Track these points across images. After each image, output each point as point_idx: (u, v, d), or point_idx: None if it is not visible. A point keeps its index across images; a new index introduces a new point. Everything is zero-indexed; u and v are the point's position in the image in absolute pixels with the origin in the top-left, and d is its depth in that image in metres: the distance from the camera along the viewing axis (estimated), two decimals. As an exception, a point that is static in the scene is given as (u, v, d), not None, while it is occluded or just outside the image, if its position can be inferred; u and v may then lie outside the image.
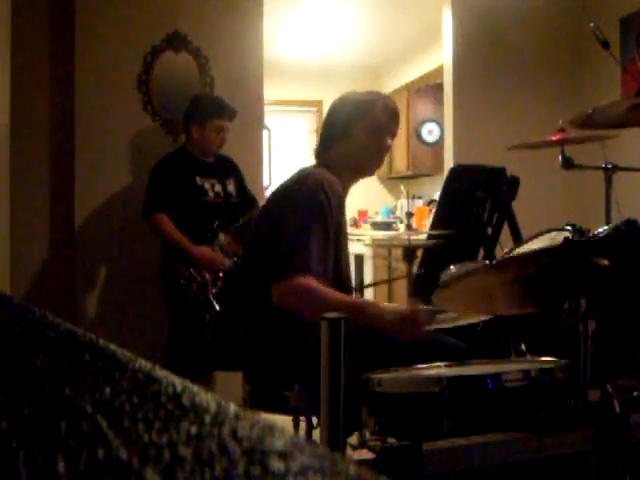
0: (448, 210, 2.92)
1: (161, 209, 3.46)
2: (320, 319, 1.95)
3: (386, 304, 2.04)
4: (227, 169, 3.68)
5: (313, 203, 1.98)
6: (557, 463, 1.44)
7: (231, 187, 3.64)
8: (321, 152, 2.24)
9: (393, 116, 2.25)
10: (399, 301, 5.06)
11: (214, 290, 3.41)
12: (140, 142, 3.95)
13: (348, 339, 1.42)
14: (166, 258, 3.54)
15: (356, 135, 2.18)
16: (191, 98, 3.73)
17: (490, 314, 1.99)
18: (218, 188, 3.58)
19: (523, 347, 2.04)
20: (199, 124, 3.53)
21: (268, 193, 2.65)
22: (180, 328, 3.50)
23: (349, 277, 2.22)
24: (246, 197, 3.71)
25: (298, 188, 2.05)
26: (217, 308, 3.34)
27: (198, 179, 3.53)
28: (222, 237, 3.49)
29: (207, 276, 3.42)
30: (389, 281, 5.64)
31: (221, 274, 3.44)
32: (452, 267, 2.29)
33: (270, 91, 4.77)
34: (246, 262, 2.18)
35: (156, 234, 3.54)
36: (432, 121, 6.60)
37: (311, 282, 1.91)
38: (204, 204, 3.51)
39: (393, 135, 2.25)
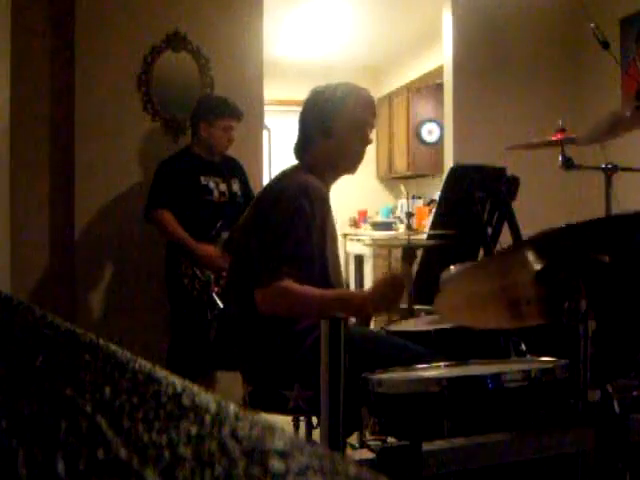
0: (448, 210, 2.92)
1: (164, 206, 3.47)
2: (312, 318, 1.97)
3: (363, 290, 2.07)
4: (232, 169, 3.69)
5: (295, 208, 1.98)
6: (557, 463, 1.44)
7: (236, 187, 3.65)
8: (301, 152, 2.21)
9: (370, 108, 2.21)
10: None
11: (217, 289, 3.41)
12: (140, 142, 3.95)
13: (348, 339, 1.42)
14: (169, 257, 3.55)
15: (335, 133, 2.14)
16: (199, 98, 3.76)
17: (490, 325, 1.98)
18: (223, 187, 3.59)
19: (523, 347, 2.04)
20: (207, 122, 3.55)
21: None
22: (183, 328, 3.51)
23: (340, 281, 2.21)
24: (249, 198, 3.72)
25: (281, 194, 2.05)
26: (221, 306, 3.34)
27: (202, 178, 3.54)
28: (225, 236, 3.50)
29: (210, 275, 3.42)
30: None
31: (224, 273, 3.45)
32: (452, 267, 2.29)
33: (270, 91, 4.77)
34: (237, 266, 2.17)
35: (159, 231, 3.55)
36: (432, 121, 6.60)
37: (289, 284, 1.92)
38: (208, 203, 3.52)
39: (372, 127, 2.21)
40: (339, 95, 2.17)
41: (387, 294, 1.99)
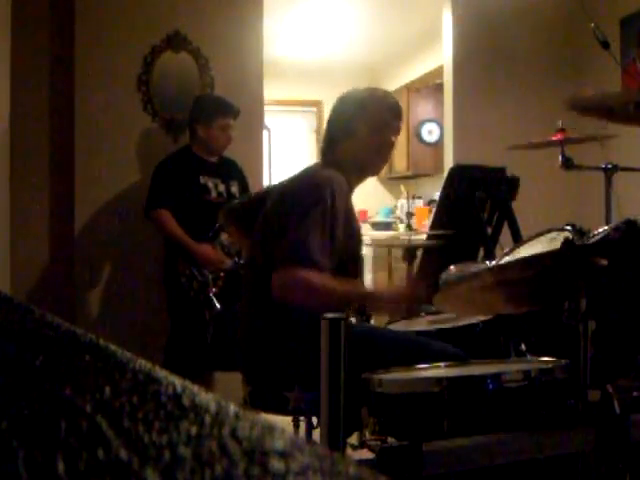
0: (448, 210, 2.92)
1: (163, 206, 3.48)
2: (321, 311, 1.97)
3: (384, 288, 2.10)
4: (231, 171, 3.70)
5: (318, 198, 1.99)
6: (557, 463, 1.44)
7: (234, 188, 3.65)
8: (326, 152, 2.24)
9: (395, 112, 2.22)
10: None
11: (215, 289, 3.41)
12: (140, 142, 3.95)
13: (348, 339, 1.42)
14: (168, 257, 3.55)
15: (359, 134, 2.17)
16: (194, 99, 3.75)
17: (490, 314, 1.99)
18: (221, 188, 3.59)
19: (523, 347, 2.04)
20: (205, 123, 3.55)
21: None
22: (181, 328, 3.51)
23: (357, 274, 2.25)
24: None
25: (305, 185, 2.08)
26: (218, 307, 3.35)
27: (201, 178, 3.54)
28: (224, 237, 3.50)
29: (208, 275, 3.42)
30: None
31: (222, 273, 3.45)
32: (452, 267, 2.29)
33: (270, 91, 4.77)
34: (254, 258, 2.16)
35: (158, 230, 3.56)
36: (432, 121, 6.60)
37: (312, 274, 1.92)
38: (206, 203, 3.52)
39: (396, 131, 2.22)
40: (366, 98, 2.21)
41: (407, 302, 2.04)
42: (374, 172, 2.28)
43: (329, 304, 1.94)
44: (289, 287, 1.95)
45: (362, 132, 2.17)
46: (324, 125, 2.34)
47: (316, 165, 2.24)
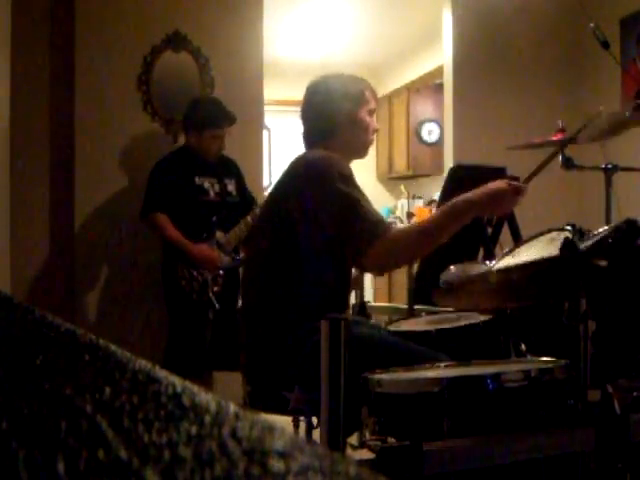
0: (448, 210, 2.91)
1: (159, 209, 3.47)
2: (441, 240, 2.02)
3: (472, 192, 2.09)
4: (227, 168, 3.68)
5: (336, 174, 1.99)
6: (557, 463, 1.44)
7: (231, 187, 3.64)
8: (320, 141, 2.21)
9: (376, 97, 2.35)
10: (398, 302, 5.05)
11: (216, 288, 3.42)
12: (140, 142, 3.95)
13: (348, 340, 1.42)
14: (167, 260, 3.55)
15: (360, 121, 2.22)
16: (189, 103, 3.69)
17: (489, 309, 1.99)
18: (217, 188, 3.59)
19: (523, 347, 2.04)
20: (196, 131, 3.54)
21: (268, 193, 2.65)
22: (180, 328, 3.51)
23: None
24: (246, 197, 3.72)
25: (315, 172, 2.04)
26: (217, 307, 3.35)
27: (197, 179, 3.53)
28: (219, 235, 3.49)
29: (207, 275, 3.42)
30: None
31: (221, 272, 3.45)
32: (452, 267, 2.29)
33: (270, 91, 4.77)
34: (255, 258, 2.15)
35: (154, 233, 3.56)
36: (432, 121, 6.60)
37: (392, 234, 1.93)
38: (204, 203, 3.52)
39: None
40: (358, 86, 2.26)
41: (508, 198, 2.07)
42: (365, 155, 2.32)
43: (430, 242, 2.02)
44: (389, 254, 1.95)
45: (363, 120, 2.22)
46: None
47: (308, 151, 2.22)
